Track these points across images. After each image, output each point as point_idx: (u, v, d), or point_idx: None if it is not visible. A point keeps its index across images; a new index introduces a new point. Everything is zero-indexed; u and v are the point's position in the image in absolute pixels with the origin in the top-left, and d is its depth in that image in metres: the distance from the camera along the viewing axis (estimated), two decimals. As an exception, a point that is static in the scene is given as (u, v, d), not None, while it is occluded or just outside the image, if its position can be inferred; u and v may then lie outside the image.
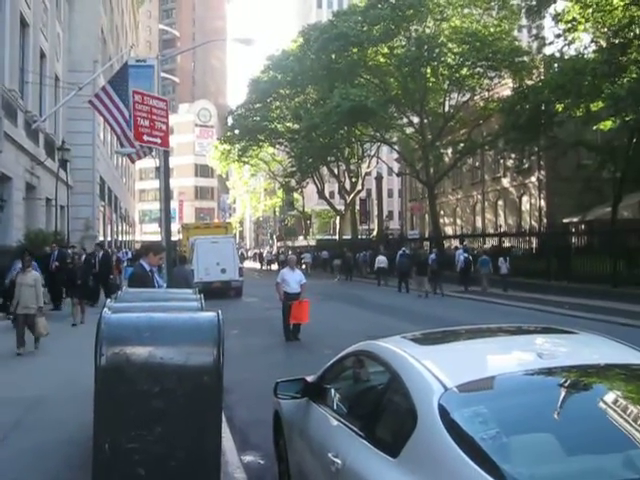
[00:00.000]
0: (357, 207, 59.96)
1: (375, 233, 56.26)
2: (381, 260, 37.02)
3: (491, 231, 44.48)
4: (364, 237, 57.32)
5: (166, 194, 13.61)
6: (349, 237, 59.53)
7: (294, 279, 16.55)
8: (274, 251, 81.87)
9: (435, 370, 3.71)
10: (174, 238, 36.62)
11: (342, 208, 61.16)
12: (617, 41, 28.00)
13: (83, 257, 22.60)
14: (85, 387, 5.99)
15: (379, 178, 53.70)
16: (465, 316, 19.70)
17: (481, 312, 21.80)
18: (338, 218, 63.27)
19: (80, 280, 19.93)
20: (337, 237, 63.04)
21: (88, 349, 5.19)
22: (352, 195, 57.30)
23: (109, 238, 46.75)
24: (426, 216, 55.17)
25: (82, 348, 8.02)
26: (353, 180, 58.12)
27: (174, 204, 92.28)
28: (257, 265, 76.53)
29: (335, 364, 5.25)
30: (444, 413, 3.36)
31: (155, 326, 5.19)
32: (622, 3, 27.70)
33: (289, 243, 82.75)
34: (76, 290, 19.62)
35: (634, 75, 27.22)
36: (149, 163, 44.42)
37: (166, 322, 5.33)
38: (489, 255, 31.05)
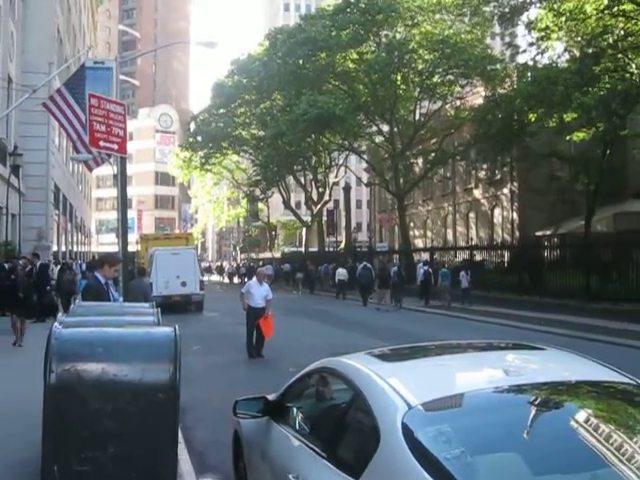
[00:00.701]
0: (324, 218, 60.07)
1: (343, 245, 56.33)
2: (341, 273, 37.44)
3: (462, 244, 44.71)
4: (331, 249, 57.35)
5: (123, 203, 13.51)
6: (316, 249, 59.48)
7: (260, 293, 16.38)
8: (238, 263, 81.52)
9: (399, 387, 3.71)
10: (132, 249, 36.21)
11: (309, 219, 61.15)
12: (590, 50, 28.45)
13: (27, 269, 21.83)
14: (33, 406, 5.88)
15: (347, 188, 53.85)
16: (431, 331, 19.82)
17: (449, 327, 21.95)
18: (304, 229, 63.26)
19: (22, 294, 18.65)
20: (303, 249, 62.94)
21: (36, 366, 5.11)
22: (319, 206, 57.35)
23: (64, 249, 46.18)
24: (396, 228, 55.25)
25: (29, 365, 7.87)
26: (320, 190, 58.11)
27: (132, 214, 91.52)
28: (219, 278, 76.27)
29: (297, 382, 5.22)
30: (407, 432, 3.36)
31: (108, 341, 5.16)
32: (595, 12, 28.19)
33: (253, 255, 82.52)
34: (18, 306, 18.32)
35: (607, 85, 27.67)
36: (107, 170, 43.91)
37: (120, 337, 5.31)
38: (449, 268, 31.67)
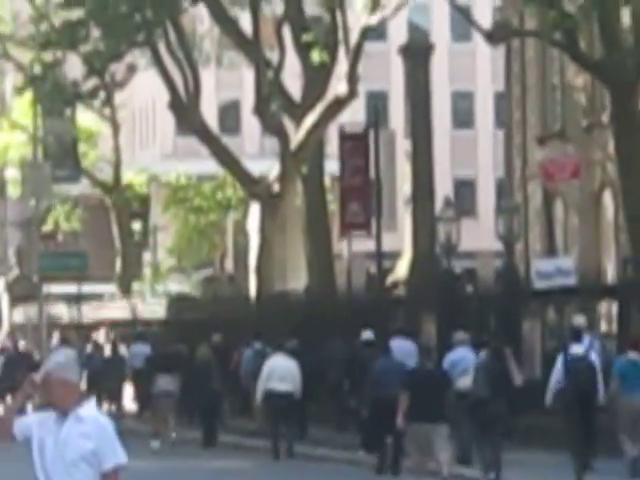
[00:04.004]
0: (331, 166, 26.00)
1: (406, 265, 24.56)
2: (279, 372, 18.07)
3: None
4: (376, 288, 25.03)
5: None
6: (301, 288, 24.87)
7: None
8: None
9: None
10: None
11: (273, 175, 26.01)
12: None
13: None
14: None
15: (416, 53, 25.11)
16: None
17: None
18: (258, 210, 26.58)
19: None
20: (253, 287, 26.32)
21: None
22: (313, 120, 23.66)
23: None
24: (606, 198, 23.73)
25: None
26: (314, 60, 24.01)
27: None
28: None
29: None
30: None
31: None
32: None
33: (64, 313, 33.12)
34: None
35: None
36: None
37: None
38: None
